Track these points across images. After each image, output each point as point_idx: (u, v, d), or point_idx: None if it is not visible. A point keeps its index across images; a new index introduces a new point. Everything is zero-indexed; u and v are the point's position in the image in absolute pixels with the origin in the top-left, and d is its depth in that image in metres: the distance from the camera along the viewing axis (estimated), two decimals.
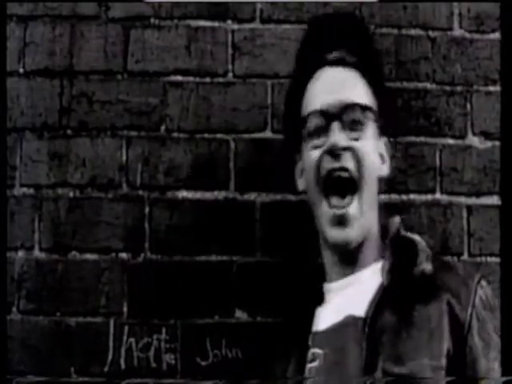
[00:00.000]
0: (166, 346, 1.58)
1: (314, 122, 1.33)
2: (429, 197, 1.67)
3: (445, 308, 1.22)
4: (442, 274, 1.28)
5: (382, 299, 1.26)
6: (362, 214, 1.30)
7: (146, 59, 1.68)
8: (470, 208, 1.67)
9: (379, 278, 1.30)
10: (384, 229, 1.39)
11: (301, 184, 1.43)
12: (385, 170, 1.40)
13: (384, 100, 1.42)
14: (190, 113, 1.67)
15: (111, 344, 1.58)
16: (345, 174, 1.30)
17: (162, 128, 1.67)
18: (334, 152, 1.30)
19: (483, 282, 1.26)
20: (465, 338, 1.20)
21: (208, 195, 1.64)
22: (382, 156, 1.39)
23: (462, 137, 1.70)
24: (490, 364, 1.20)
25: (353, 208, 1.30)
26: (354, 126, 1.32)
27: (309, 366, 1.28)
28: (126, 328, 1.59)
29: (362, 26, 1.52)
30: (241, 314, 1.60)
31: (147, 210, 1.63)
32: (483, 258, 1.65)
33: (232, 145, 1.66)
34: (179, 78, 1.68)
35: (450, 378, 1.19)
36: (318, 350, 1.28)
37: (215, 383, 1.50)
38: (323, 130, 1.32)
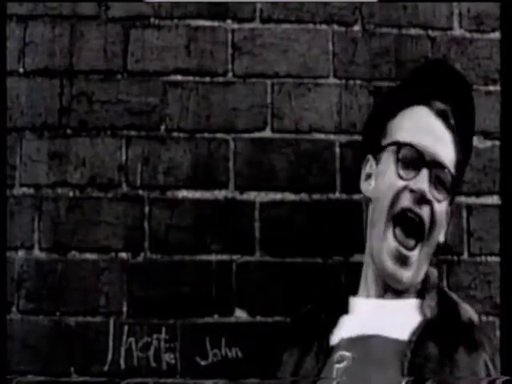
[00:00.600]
0: (166, 346, 1.58)
1: (407, 154, 1.37)
2: None
3: (483, 367, 1.27)
4: (478, 333, 1.34)
5: (426, 330, 1.30)
6: (419, 264, 1.36)
7: (145, 59, 1.68)
8: (469, 208, 1.67)
9: (414, 312, 1.35)
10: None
11: (366, 188, 1.46)
12: (442, 237, 1.44)
13: (462, 171, 1.48)
14: (190, 112, 1.67)
15: (111, 344, 1.58)
16: (417, 221, 1.35)
17: (162, 128, 1.67)
18: (417, 197, 1.34)
19: None
20: None
21: (208, 195, 1.64)
22: None
23: None
24: None
25: (415, 254, 1.36)
26: (437, 184, 1.37)
27: (336, 366, 1.30)
28: (126, 328, 1.59)
29: (466, 84, 1.52)
30: (240, 314, 1.60)
31: (147, 209, 1.63)
32: (483, 258, 1.65)
33: (232, 144, 1.66)
34: (179, 77, 1.68)
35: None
36: (346, 353, 1.31)
37: (215, 382, 1.50)
38: (413, 165, 1.36)
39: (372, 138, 1.47)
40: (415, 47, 1.72)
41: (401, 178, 1.36)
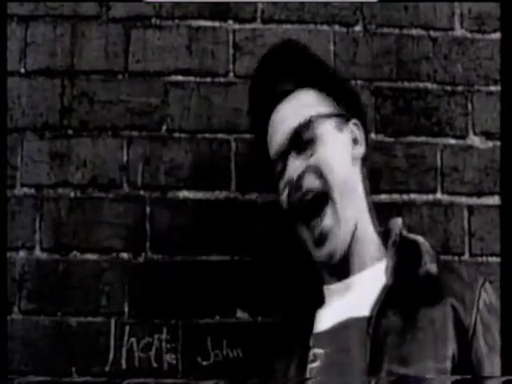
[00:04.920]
0: (167, 346, 1.58)
1: (276, 169, 1.37)
2: (430, 197, 1.67)
3: (449, 312, 1.21)
4: (445, 276, 1.27)
5: (386, 299, 1.25)
6: (338, 221, 1.30)
7: (147, 59, 1.68)
8: (470, 208, 1.67)
9: (381, 279, 1.29)
10: (385, 231, 1.39)
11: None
12: (359, 150, 1.38)
13: (339, 89, 1.42)
14: (191, 113, 1.67)
15: (112, 344, 1.58)
16: (311, 195, 1.31)
17: (163, 128, 1.67)
18: (292, 185, 1.31)
19: (487, 285, 1.26)
20: (470, 342, 1.19)
21: (209, 195, 1.64)
22: (354, 139, 1.39)
23: (463, 137, 1.70)
24: (493, 369, 1.19)
25: (326, 220, 1.30)
26: (307, 145, 1.33)
27: (310, 366, 1.26)
28: (127, 328, 1.59)
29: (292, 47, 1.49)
30: (242, 314, 1.60)
31: (148, 209, 1.63)
32: (484, 258, 1.65)
33: (233, 145, 1.66)
34: (180, 77, 1.68)
35: (452, 378, 1.19)
36: (319, 350, 1.27)
37: (216, 383, 1.50)
38: (283, 174, 1.35)
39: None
40: (416, 47, 1.72)
41: (285, 185, 1.35)
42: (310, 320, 1.34)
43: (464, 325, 1.20)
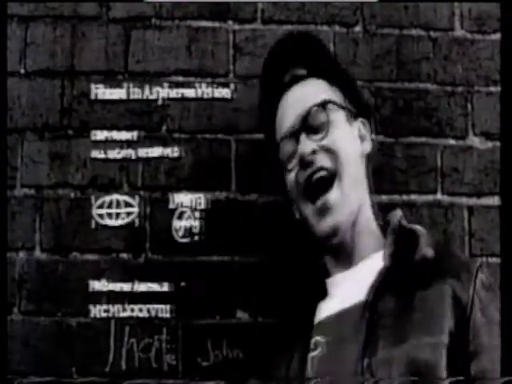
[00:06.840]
0: (167, 347, 1.58)
1: (285, 148, 1.38)
2: (430, 197, 1.67)
3: (447, 290, 1.22)
4: (443, 259, 1.29)
5: (382, 283, 1.26)
6: (344, 198, 1.31)
7: (146, 59, 1.68)
8: (471, 208, 1.67)
9: (380, 266, 1.30)
10: (385, 223, 1.41)
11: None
12: (366, 147, 1.42)
13: (349, 87, 1.46)
14: (191, 113, 1.67)
15: (112, 344, 1.58)
16: (323, 173, 1.32)
17: (163, 128, 1.66)
18: (304, 161, 1.32)
19: (484, 267, 1.28)
20: (468, 317, 1.20)
21: (209, 195, 1.64)
22: (361, 136, 1.42)
23: (463, 137, 1.70)
24: (493, 340, 1.20)
25: (333, 194, 1.31)
26: (319, 127, 1.35)
27: (311, 355, 1.27)
28: (127, 328, 1.59)
29: (309, 37, 1.52)
30: (242, 315, 1.60)
31: (148, 210, 1.63)
32: (484, 259, 1.65)
33: (233, 145, 1.66)
34: (180, 78, 1.68)
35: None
36: (320, 339, 1.28)
37: None
38: (295, 153, 1.36)
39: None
40: (416, 48, 1.72)
41: (290, 170, 1.37)
42: (312, 313, 1.35)
43: (462, 301, 1.21)
